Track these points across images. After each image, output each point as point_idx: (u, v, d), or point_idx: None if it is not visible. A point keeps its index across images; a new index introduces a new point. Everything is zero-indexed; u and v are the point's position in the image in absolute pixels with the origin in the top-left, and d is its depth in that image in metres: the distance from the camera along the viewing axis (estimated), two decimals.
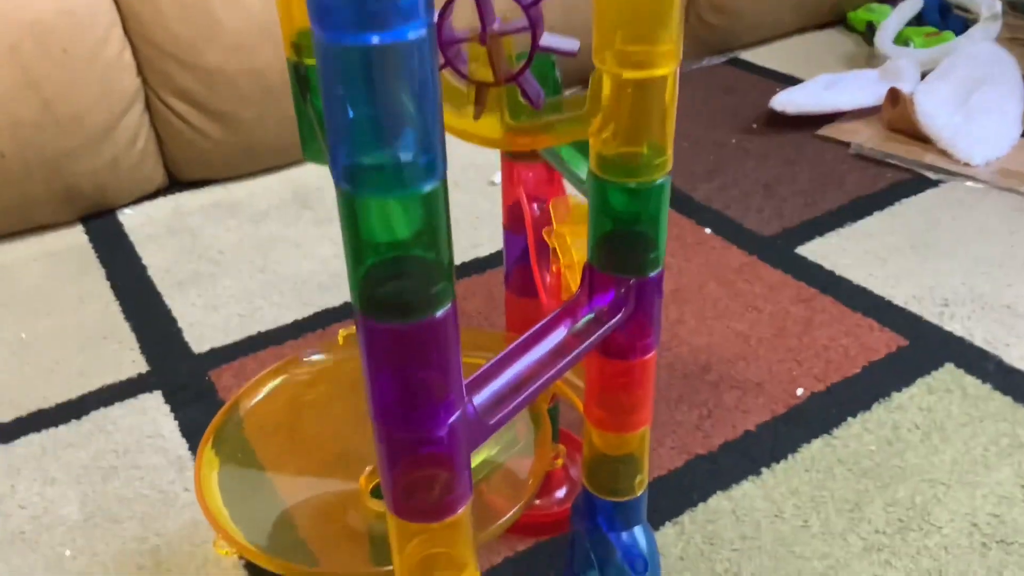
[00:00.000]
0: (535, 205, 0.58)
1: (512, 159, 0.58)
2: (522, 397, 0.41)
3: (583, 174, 0.47)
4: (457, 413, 0.37)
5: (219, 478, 0.56)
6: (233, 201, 1.21)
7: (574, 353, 0.44)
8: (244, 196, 1.22)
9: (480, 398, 0.39)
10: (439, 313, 0.34)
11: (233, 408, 0.61)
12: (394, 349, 0.35)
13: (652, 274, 0.45)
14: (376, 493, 0.60)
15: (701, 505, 0.72)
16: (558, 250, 0.54)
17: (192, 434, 0.82)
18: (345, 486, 0.58)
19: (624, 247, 0.45)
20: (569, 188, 0.56)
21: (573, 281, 0.53)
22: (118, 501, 0.75)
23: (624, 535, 0.55)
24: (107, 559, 0.70)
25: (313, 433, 0.61)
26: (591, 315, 0.45)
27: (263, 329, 0.96)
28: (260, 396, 0.62)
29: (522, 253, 0.60)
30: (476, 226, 1.13)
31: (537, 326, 0.44)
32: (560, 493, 0.73)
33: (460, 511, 0.39)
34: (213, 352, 0.93)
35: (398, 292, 0.33)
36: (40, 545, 0.72)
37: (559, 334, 0.44)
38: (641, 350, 0.48)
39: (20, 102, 1.05)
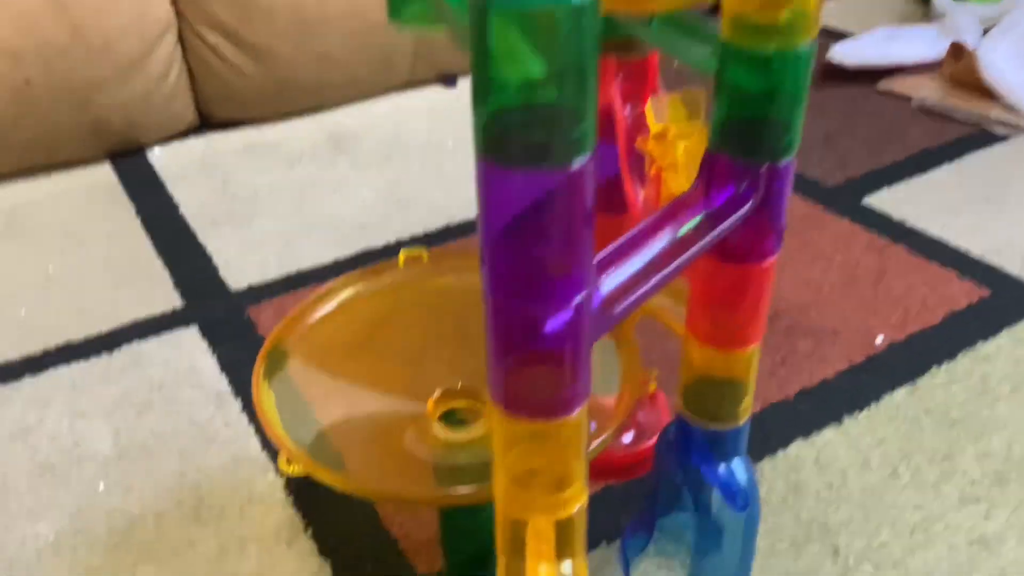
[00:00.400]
0: (628, 108, 0.52)
1: (608, 52, 0.53)
2: (648, 286, 0.36)
3: (701, 52, 0.42)
4: (584, 293, 0.32)
5: (278, 394, 0.51)
6: (266, 143, 1.16)
7: (697, 246, 0.38)
8: (278, 138, 1.17)
9: (607, 282, 0.34)
10: (576, 163, 0.29)
11: (295, 321, 0.56)
12: (518, 203, 0.29)
13: (785, 161, 0.40)
14: (444, 418, 0.55)
15: (781, 452, 0.67)
16: (656, 154, 0.49)
17: (232, 370, 0.77)
18: (411, 409, 0.53)
19: (755, 128, 0.39)
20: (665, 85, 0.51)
21: (676, 185, 0.48)
22: (154, 436, 0.71)
23: (722, 469, 0.50)
24: (143, 494, 0.66)
25: (378, 352, 0.56)
26: (712, 209, 0.40)
27: (303, 268, 0.91)
28: (323, 311, 0.57)
29: (611, 165, 0.55)
30: None
31: (654, 216, 0.39)
32: (627, 438, 0.68)
33: (576, 411, 0.34)
34: (252, 289, 0.88)
35: (528, 129, 0.28)
36: (71, 478, 0.67)
37: (680, 225, 0.39)
38: (762, 253, 0.42)
39: (48, 25, 1.00)
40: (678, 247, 0.38)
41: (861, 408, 0.71)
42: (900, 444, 0.68)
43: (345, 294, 0.59)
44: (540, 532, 0.38)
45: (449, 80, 1.30)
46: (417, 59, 1.25)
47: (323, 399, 0.53)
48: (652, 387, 0.52)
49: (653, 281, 0.36)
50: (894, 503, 0.63)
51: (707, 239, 0.40)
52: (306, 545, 0.61)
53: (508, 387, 0.34)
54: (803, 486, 0.65)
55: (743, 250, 0.42)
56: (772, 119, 0.39)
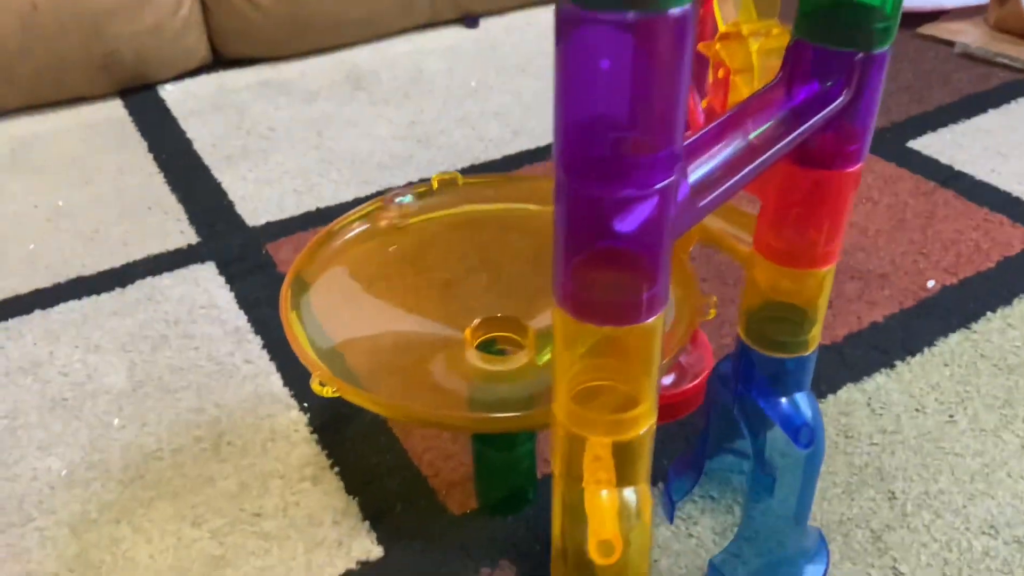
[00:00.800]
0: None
1: None
2: (731, 183, 0.32)
3: None
4: (672, 177, 0.28)
5: (307, 318, 0.48)
6: (282, 80, 1.12)
7: (780, 145, 0.35)
8: (293, 75, 1.13)
9: (693, 171, 0.30)
10: (675, 10, 0.25)
11: (322, 245, 0.52)
12: (602, 57, 0.25)
13: (881, 49, 0.36)
14: (482, 348, 0.52)
15: (831, 396, 0.64)
16: (724, 56, 0.45)
17: (251, 306, 0.74)
18: (447, 336, 0.50)
19: (848, 11, 0.35)
20: None
21: (749, 90, 0.44)
22: (170, 371, 0.68)
23: (784, 403, 0.46)
24: (160, 429, 0.63)
25: (412, 278, 0.52)
26: (796, 105, 0.36)
27: (322, 205, 0.87)
28: (352, 235, 0.53)
29: None
30: (551, 112, 1.03)
31: (732, 111, 0.35)
32: (668, 380, 0.64)
33: (653, 317, 0.31)
34: (269, 225, 0.84)
35: None
36: (84, 412, 0.64)
37: (760, 123, 0.35)
38: (848, 158, 0.38)
39: None
40: (759, 145, 0.34)
41: (914, 353, 0.68)
42: (956, 389, 0.64)
43: (374, 219, 0.55)
44: (602, 455, 0.34)
45: (471, 21, 1.25)
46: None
47: (354, 324, 0.50)
48: (712, 313, 0.49)
49: (736, 179, 0.32)
50: (952, 449, 0.60)
51: (790, 138, 0.36)
52: (332, 483, 0.58)
53: (577, 285, 0.30)
54: (855, 430, 0.61)
55: (827, 154, 0.38)
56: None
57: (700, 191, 0.30)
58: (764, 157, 0.33)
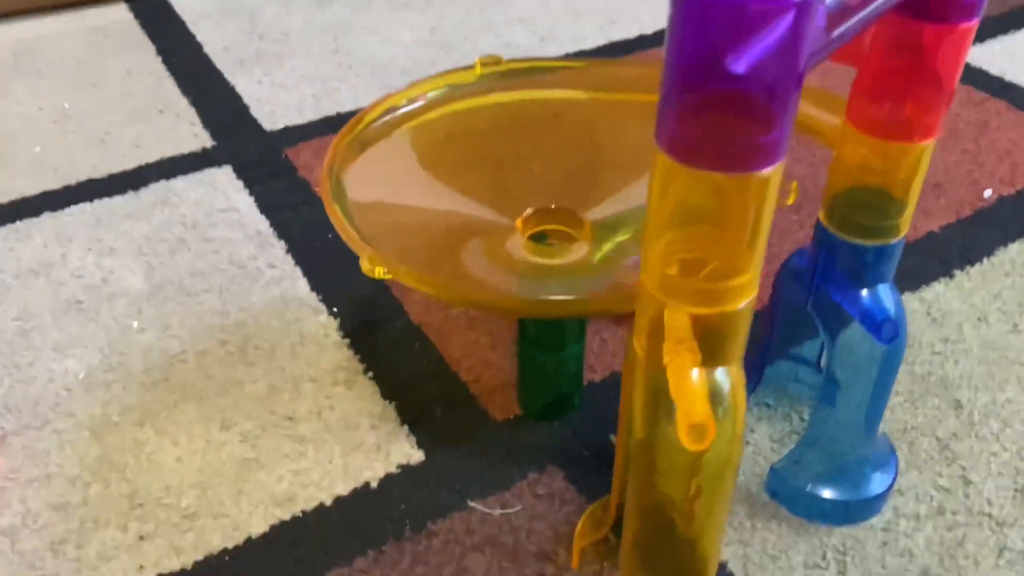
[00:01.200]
0: None
1: None
2: (868, 10, 0.28)
3: None
4: None
5: (347, 201, 0.44)
6: None
7: None
8: None
9: None
10: None
11: (365, 121, 0.48)
12: None
13: None
14: (535, 237, 0.48)
15: None
16: None
17: (273, 210, 0.70)
18: (497, 225, 0.46)
19: None
20: None
21: None
22: (190, 274, 0.64)
23: (865, 296, 0.43)
24: (182, 332, 0.59)
25: (458, 164, 0.49)
26: None
27: (342, 111, 0.83)
28: (393, 117, 0.49)
29: None
30: (579, 19, 0.98)
31: None
32: None
33: (771, 167, 0.27)
34: (288, 130, 0.80)
35: None
36: (100, 315, 0.61)
37: None
38: (964, 9, 0.35)
39: None
40: None
41: (973, 262, 0.64)
42: (1019, 299, 0.61)
43: (416, 103, 0.51)
44: (682, 325, 0.31)
45: None
46: None
47: (396, 212, 0.46)
48: (792, 198, 0.45)
49: (871, 7, 0.28)
50: (1018, 359, 0.57)
51: None
52: (367, 387, 0.55)
53: (685, 120, 0.26)
54: (915, 339, 0.58)
55: (942, 3, 0.34)
56: None
57: (836, 17, 0.27)
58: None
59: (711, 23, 0.25)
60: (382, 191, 0.46)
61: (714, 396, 0.32)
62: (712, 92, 0.27)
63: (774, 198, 0.28)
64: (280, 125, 0.81)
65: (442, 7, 1.01)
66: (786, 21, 0.24)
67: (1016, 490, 0.49)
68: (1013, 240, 0.66)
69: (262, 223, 0.69)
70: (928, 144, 0.39)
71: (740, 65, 0.26)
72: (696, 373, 0.31)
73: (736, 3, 0.24)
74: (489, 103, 0.52)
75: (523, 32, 0.96)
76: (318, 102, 0.84)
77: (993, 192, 0.71)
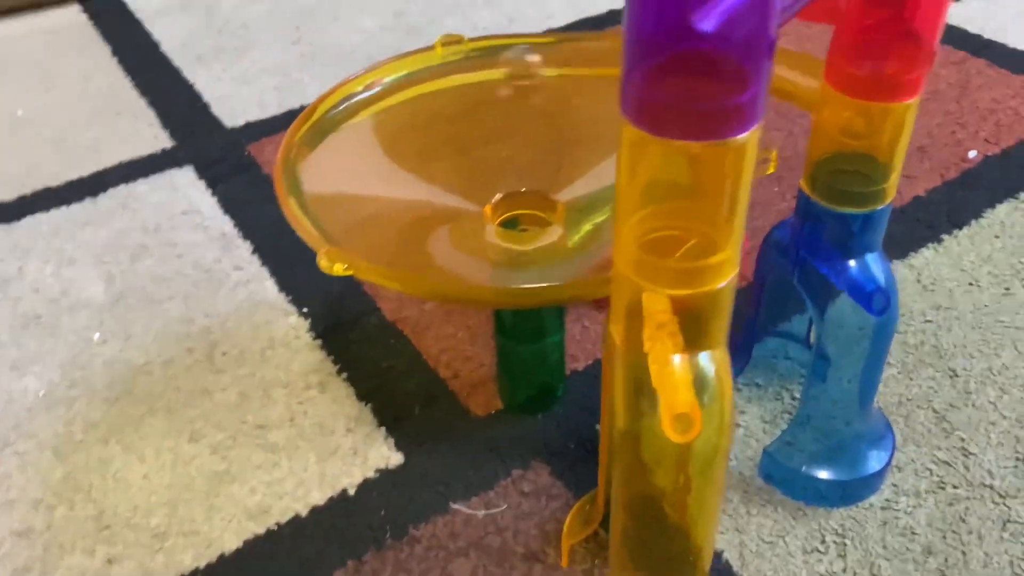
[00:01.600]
0: None
1: None
2: None
3: None
4: None
5: (305, 194, 0.41)
6: None
7: None
8: None
9: None
10: None
11: (321, 108, 0.46)
12: None
13: None
14: (506, 223, 0.46)
15: None
16: None
17: (237, 210, 0.67)
18: (465, 211, 0.44)
19: None
20: None
21: None
22: (153, 281, 0.61)
23: (853, 267, 0.41)
24: (146, 342, 0.57)
25: (420, 149, 0.46)
26: None
27: (306, 102, 0.80)
28: (351, 103, 0.47)
29: None
30: None
31: None
32: None
33: (748, 131, 0.25)
34: (250, 126, 0.77)
35: None
36: (61, 329, 0.58)
37: None
38: None
39: None
40: None
41: (960, 226, 0.63)
42: (1010, 262, 0.60)
43: (374, 88, 0.49)
44: (663, 309, 0.29)
45: None
46: None
47: (357, 204, 0.44)
48: (772, 167, 0.43)
49: None
50: (1012, 323, 0.55)
51: None
52: (341, 389, 0.53)
53: (651, 86, 0.24)
54: (906, 307, 0.56)
55: None
56: None
57: None
58: None
59: None
60: (342, 183, 0.44)
61: (699, 382, 0.30)
62: (679, 54, 0.25)
63: (752, 166, 0.26)
64: (242, 121, 0.78)
65: None
66: None
67: (1018, 459, 0.47)
68: (1001, 201, 0.65)
69: (226, 224, 0.66)
70: (912, 103, 0.37)
71: (708, 23, 0.24)
72: (679, 359, 0.29)
73: None
74: (452, 85, 0.50)
75: (490, 13, 0.93)
76: (281, 95, 0.81)
77: (978, 152, 0.69)
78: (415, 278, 0.36)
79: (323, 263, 0.36)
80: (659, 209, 0.28)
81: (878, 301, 0.41)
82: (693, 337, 0.30)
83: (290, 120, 0.78)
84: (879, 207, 0.40)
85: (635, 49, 0.25)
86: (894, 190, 0.40)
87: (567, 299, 0.37)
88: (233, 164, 0.72)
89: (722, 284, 0.29)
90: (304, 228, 0.39)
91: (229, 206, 0.68)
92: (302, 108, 0.79)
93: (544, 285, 0.36)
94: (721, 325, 0.30)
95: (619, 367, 0.32)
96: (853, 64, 0.36)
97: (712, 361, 0.30)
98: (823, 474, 0.45)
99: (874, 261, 0.41)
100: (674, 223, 0.29)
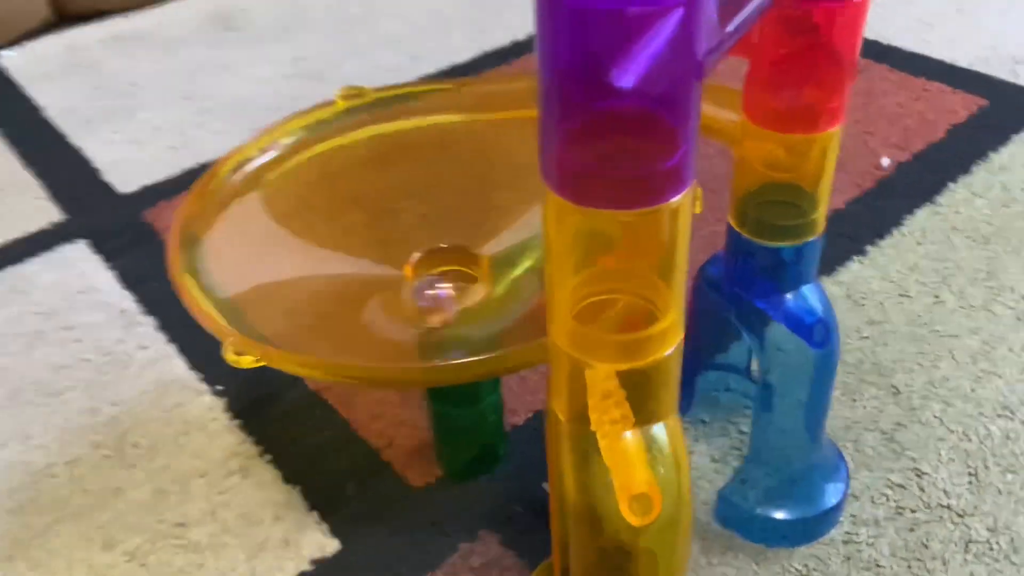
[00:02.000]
0: None
1: None
2: (752, 6, 0.24)
3: None
4: None
5: (206, 276, 0.38)
6: (138, 32, 0.98)
7: None
8: (150, 25, 0.99)
9: None
10: None
11: (212, 189, 0.43)
12: None
13: None
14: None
15: None
16: None
17: (138, 284, 0.63)
18: (383, 277, 0.41)
19: None
20: None
21: None
22: (51, 370, 0.57)
23: (790, 300, 0.40)
24: (48, 441, 0.52)
25: (331, 211, 0.43)
26: None
27: (204, 160, 0.76)
28: (247, 171, 0.44)
29: None
30: (447, 31, 0.94)
31: None
32: None
33: (680, 194, 0.23)
34: (146, 191, 0.73)
35: None
36: None
37: None
38: None
39: None
40: None
41: (883, 235, 0.62)
42: (936, 268, 0.60)
43: (271, 152, 0.45)
44: (609, 384, 0.27)
45: None
46: None
47: (266, 276, 0.41)
48: (698, 207, 0.41)
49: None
50: (946, 331, 0.55)
51: None
52: (266, 473, 0.49)
53: (571, 151, 0.22)
54: (842, 325, 0.55)
55: None
56: None
57: (725, 8, 0.23)
58: None
59: (586, 35, 0.20)
60: (246, 258, 0.40)
61: (654, 457, 0.28)
62: (597, 115, 0.22)
63: (688, 228, 0.24)
64: (136, 186, 0.73)
65: (302, 35, 0.95)
66: (673, 20, 0.20)
67: (970, 475, 0.46)
68: (919, 206, 0.65)
69: (126, 300, 0.62)
70: (834, 131, 0.36)
71: (627, 78, 0.22)
72: (630, 435, 0.27)
73: (612, 7, 0.19)
74: (357, 139, 0.47)
75: (392, 53, 0.90)
76: (177, 154, 0.77)
77: (891, 160, 0.69)
78: (335, 365, 0.33)
79: (229, 356, 0.32)
80: (592, 274, 0.26)
81: (818, 333, 0.40)
82: (642, 410, 0.27)
83: (189, 181, 0.73)
84: (811, 239, 0.38)
85: (550, 111, 0.23)
86: (824, 220, 0.38)
87: (504, 371, 0.35)
88: (130, 234, 0.68)
89: (668, 351, 0.27)
90: (205, 314, 0.35)
91: (129, 280, 0.63)
92: (201, 167, 0.75)
93: (477, 359, 0.34)
94: (671, 393, 0.28)
95: (565, 444, 0.29)
96: (772, 97, 0.34)
97: (665, 432, 0.28)
98: (780, 514, 0.44)
99: (811, 292, 0.40)
100: (610, 287, 0.26)
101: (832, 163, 0.37)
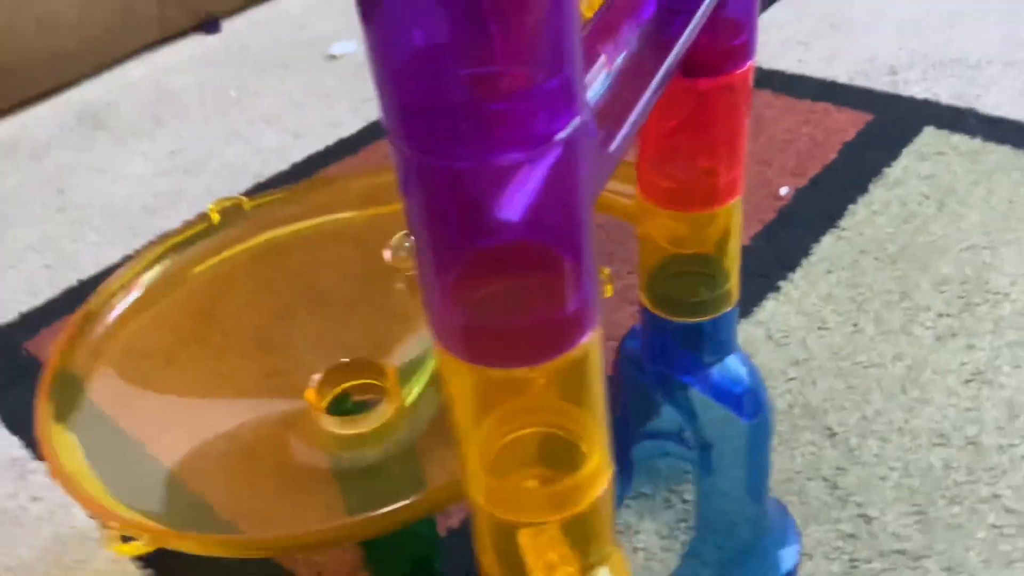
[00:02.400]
0: None
1: None
2: (640, 107, 0.22)
3: None
4: (577, 118, 0.18)
5: (84, 438, 0.34)
6: (1, 141, 0.93)
7: (681, 40, 0.25)
8: (14, 132, 0.94)
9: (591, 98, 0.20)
10: None
11: (83, 331, 0.39)
12: None
13: None
14: (334, 409, 0.40)
15: None
16: None
17: (23, 425, 0.58)
18: (285, 407, 0.38)
19: None
20: None
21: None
22: None
23: (715, 372, 0.38)
24: None
25: (217, 345, 0.40)
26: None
27: (84, 276, 0.71)
28: (121, 308, 0.40)
29: None
30: (329, 104, 0.91)
31: (602, 8, 0.25)
32: None
33: (586, 336, 0.21)
34: (24, 319, 0.68)
35: None
36: None
37: (641, 18, 0.26)
38: (736, 55, 0.30)
39: None
40: (649, 54, 0.25)
41: (792, 268, 0.62)
42: (849, 295, 0.59)
43: (146, 279, 0.42)
44: (546, 540, 0.24)
45: (211, 26, 1.09)
46: (165, 6, 1.03)
47: (154, 426, 0.37)
48: (609, 290, 0.39)
49: (641, 105, 0.23)
50: (870, 361, 0.54)
51: (685, 34, 0.26)
52: None
53: (462, 312, 0.20)
54: (767, 368, 0.54)
55: (711, 55, 0.29)
56: None
57: (610, 129, 0.21)
58: (664, 68, 0.24)
59: (450, 193, 0.18)
60: (127, 418, 0.37)
61: None
62: (480, 255, 0.20)
63: (599, 364, 0.22)
64: (13, 314, 0.68)
65: (176, 125, 0.91)
66: (550, 159, 0.18)
67: (917, 513, 0.45)
68: (823, 232, 0.65)
69: (15, 446, 0.57)
70: (734, 203, 0.34)
71: (512, 210, 0.20)
72: None
73: (466, 168, 0.17)
74: (233, 256, 0.44)
75: (273, 133, 0.87)
76: (52, 273, 0.72)
77: (789, 188, 0.69)
78: (240, 541, 0.29)
79: (111, 545, 0.29)
80: (502, 415, 0.23)
81: (748, 404, 0.38)
82: (586, 555, 0.25)
83: (70, 301, 0.69)
84: (725, 311, 0.37)
85: (428, 255, 0.20)
86: (737, 290, 0.37)
87: (435, 510, 0.32)
88: (10, 369, 0.63)
89: (603, 489, 0.24)
90: (84, 496, 0.31)
91: (13, 423, 0.58)
92: (81, 284, 0.70)
93: (402, 504, 0.31)
94: (608, 527, 0.26)
95: None
96: (664, 176, 0.33)
97: (609, 573, 0.26)
98: None
99: (735, 363, 0.38)
100: (525, 422, 0.24)
101: (738, 231, 0.36)
